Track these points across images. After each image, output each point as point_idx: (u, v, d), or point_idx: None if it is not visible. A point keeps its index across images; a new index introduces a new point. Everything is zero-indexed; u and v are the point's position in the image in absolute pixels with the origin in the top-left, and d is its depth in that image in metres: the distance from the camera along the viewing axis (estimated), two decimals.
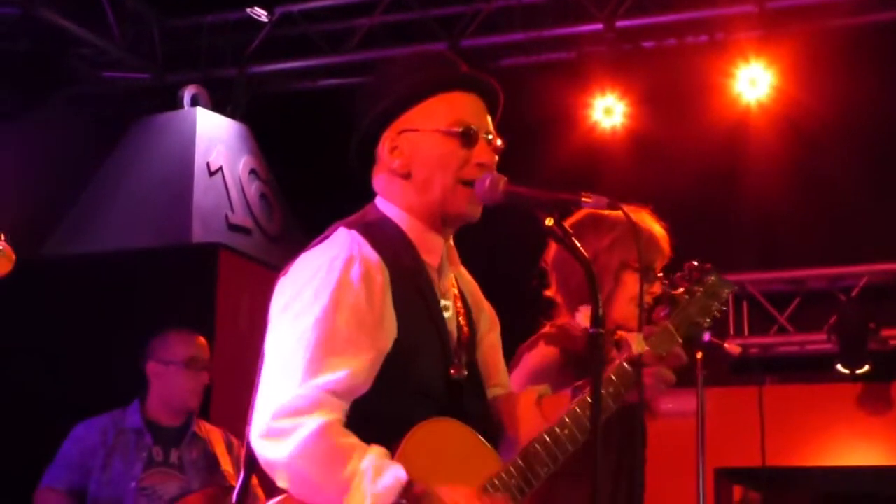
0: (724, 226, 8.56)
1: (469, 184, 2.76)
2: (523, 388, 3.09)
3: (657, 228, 3.69)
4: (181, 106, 8.68)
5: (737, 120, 8.36)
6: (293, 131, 9.12)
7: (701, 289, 3.09)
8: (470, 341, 2.87)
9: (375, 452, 2.51)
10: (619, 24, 8.25)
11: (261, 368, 2.67)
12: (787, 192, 8.27)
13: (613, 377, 2.86)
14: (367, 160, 2.89)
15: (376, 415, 2.61)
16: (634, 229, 3.03)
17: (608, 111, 8.58)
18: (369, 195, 2.91)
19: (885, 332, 8.47)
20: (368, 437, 2.54)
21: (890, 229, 8.33)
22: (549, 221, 2.63)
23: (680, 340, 2.99)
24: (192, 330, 5.46)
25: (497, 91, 2.90)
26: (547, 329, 3.70)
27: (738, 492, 9.90)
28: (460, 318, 2.87)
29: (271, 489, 2.60)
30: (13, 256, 4.06)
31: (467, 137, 2.78)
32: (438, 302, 2.81)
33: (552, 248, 3.76)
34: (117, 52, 8.87)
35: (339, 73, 9.10)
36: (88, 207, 8.42)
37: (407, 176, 2.81)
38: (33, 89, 8.65)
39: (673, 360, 2.94)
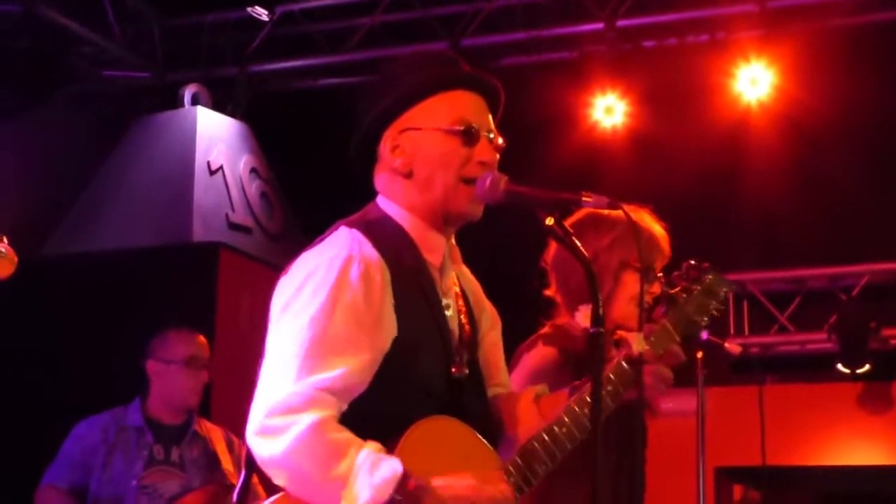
0: (725, 225, 8.56)
1: (471, 182, 2.76)
2: (522, 388, 3.10)
3: (657, 228, 3.69)
4: (182, 105, 8.68)
5: (737, 119, 8.35)
6: (294, 130, 9.12)
7: (698, 287, 3.08)
8: (471, 340, 2.87)
9: (371, 447, 2.51)
10: (620, 23, 8.25)
11: (261, 368, 2.68)
12: (787, 192, 8.27)
13: (612, 376, 2.86)
14: (369, 159, 2.89)
15: (377, 413, 2.62)
16: (635, 229, 3.04)
17: (609, 110, 8.58)
18: (370, 194, 2.91)
19: (886, 332, 8.47)
20: (369, 436, 2.54)
21: (890, 228, 8.33)
22: (549, 221, 2.64)
23: (678, 339, 2.99)
24: (192, 329, 5.47)
25: (498, 90, 2.90)
26: (546, 329, 3.70)
27: (738, 491, 9.89)
28: (461, 317, 2.87)
29: (271, 488, 2.60)
30: (15, 259, 4.05)
31: (469, 136, 2.78)
32: (440, 301, 2.81)
33: (552, 248, 3.76)
34: (118, 50, 8.88)
35: (339, 72, 9.10)
36: (89, 206, 8.42)
37: (408, 175, 2.81)
38: (34, 88, 8.65)
39: (671, 358, 2.94)
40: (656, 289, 3.49)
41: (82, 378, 6.70)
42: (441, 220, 2.82)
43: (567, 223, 2.89)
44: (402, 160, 2.81)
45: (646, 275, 3.33)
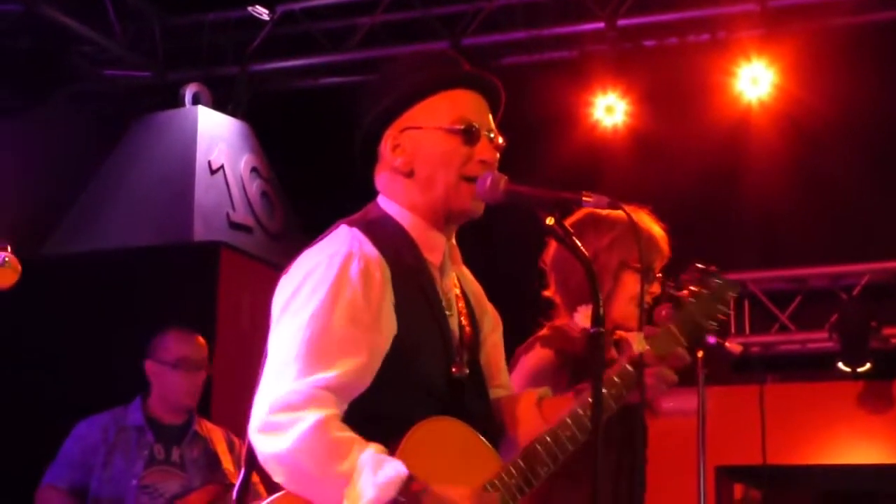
0: (726, 224, 8.56)
1: (472, 180, 2.76)
2: (520, 390, 3.10)
3: (656, 229, 3.69)
4: (182, 104, 8.68)
5: (738, 118, 8.35)
6: (295, 129, 9.12)
7: (706, 291, 3.08)
8: (472, 341, 2.87)
9: (374, 448, 2.51)
10: (621, 22, 8.25)
11: (263, 367, 2.68)
12: (788, 191, 8.27)
13: (616, 378, 2.86)
14: (370, 158, 2.89)
15: (378, 412, 2.62)
16: (635, 229, 3.03)
17: (609, 110, 8.57)
18: (371, 194, 2.91)
19: (887, 331, 8.47)
20: (370, 435, 2.54)
21: (891, 228, 8.33)
22: (549, 221, 2.64)
23: (683, 342, 2.99)
24: (191, 329, 5.46)
25: (499, 89, 2.90)
26: (544, 331, 3.70)
27: (738, 490, 9.90)
28: (462, 318, 2.87)
29: (272, 486, 2.60)
30: (19, 267, 4.07)
31: (469, 135, 2.78)
32: (440, 300, 2.81)
33: (551, 249, 3.76)
34: (118, 49, 8.87)
35: (340, 71, 9.10)
36: (89, 206, 8.42)
37: (409, 174, 2.81)
38: (34, 87, 8.65)
39: (675, 360, 2.94)
40: (656, 289, 3.49)
41: (82, 378, 6.70)
42: (442, 218, 2.82)
43: (567, 223, 2.89)
44: (402, 159, 2.81)
45: (645, 275, 3.32)
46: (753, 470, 8.91)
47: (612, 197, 2.64)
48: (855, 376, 8.52)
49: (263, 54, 9.05)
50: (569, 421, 2.78)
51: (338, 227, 2.78)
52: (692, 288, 3.08)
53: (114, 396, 5.38)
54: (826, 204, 8.36)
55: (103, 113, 9.18)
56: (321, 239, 2.77)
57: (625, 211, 2.70)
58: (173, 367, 5.28)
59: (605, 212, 3.12)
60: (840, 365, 8.42)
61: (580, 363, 3.42)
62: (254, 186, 8.73)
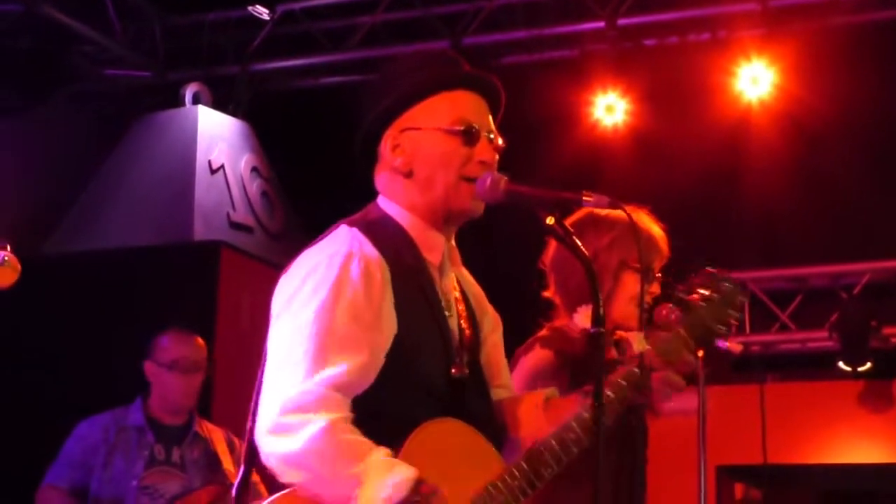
0: (726, 223, 8.56)
1: (471, 181, 2.76)
2: (519, 391, 3.10)
3: (655, 229, 3.68)
4: (183, 104, 8.68)
5: (738, 118, 8.35)
6: (295, 129, 9.12)
7: (717, 295, 3.08)
8: (472, 342, 2.87)
9: (383, 451, 2.52)
10: (621, 21, 8.25)
11: (262, 367, 2.68)
12: (788, 190, 8.27)
13: (622, 381, 2.86)
14: (370, 158, 2.89)
15: (378, 412, 2.61)
16: (635, 229, 3.03)
17: (610, 109, 8.57)
18: (371, 193, 2.91)
19: (887, 330, 8.47)
20: (371, 435, 2.55)
21: (892, 227, 8.32)
22: (550, 220, 2.63)
23: (693, 346, 2.99)
24: (190, 330, 5.46)
25: (499, 91, 2.90)
26: (543, 332, 3.69)
27: (739, 489, 9.90)
28: (462, 319, 2.86)
29: (274, 485, 2.59)
30: (18, 267, 4.07)
31: (469, 136, 2.78)
32: (440, 300, 2.81)
33: (550, 249, 3.75)
34: (119, 49, 8.87)
35: (341, 70, 9.10)
36: (90, 205, 8.42)
37: (409, 174, 2.81)
38: (35, 87, 8.65)
39: (683, 366, 2.94)
40: (656, 289, 3.49)
41: (82, 378, 6.70)
42: (441, 219, 2.82)
43: (566, 223, 2.88)
44: (402, 159, 2.81)
45: (645, 275, 3.32)
46: (754, 469, 8.91)
47: (612, 196, 2.64)
48: (855, 375, 8.52)
49: (264, 54, 9.05)
50: (573, 424, 2.78)
51: (338, 227, 2.78)
52: (702, 292, 3.07)
53: (114, 396, 5.38)
54: (826, 203, 8.36)
55: (104, 112, 9.19)
56: (321, 239, 2.77)
57: (625, 211, 2.69)
58: (170, 368, 5.28)
59: (604, 212, 3.12)
60: (840, 364, 8.42)
61: (580, 364, 3.42)
62: (254, 186, 8.73)
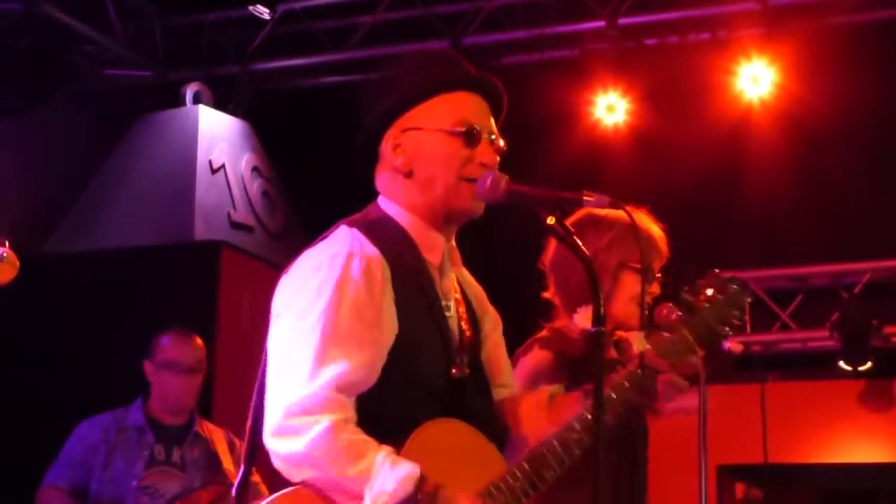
0: (727, 223, 8.56)
1: (472, 181, 2.76)
2: (519, 392, 3.09)
3: (655, 229, 3.68)
4: (183, 103, 8.68)
5: (739, 117, 8.34)
6: (295, 129, 9.12)
7: (722, 296, 3.08)
8: (473, 342, 2.87)
9: (386, 449, 2.53)
10: (622, 21, 8.24)
11: (262, 367, 2.68)
12: (789, 190, 8.26)
13: (626, 383, 2.86)
14: (371, 158, 2.89)
15: (379, 412, 2.62)
16: (635, 229, 3.03)
17: (610, 109, 8.57)
18: (372, 193, 2.91)
19: (888, 329, 8.46)
20: (373, 435, 2.55)
21: (892, 226, 8.32)
22: (550, 220, 2.63)
23: (697, 348, 2.99)
24: (190, 330, 5.46)
25: (501, 93, 2.90)
26: (542, 332, 3.69)
27: (740, 489, 9.89)
28: (462, 319, 2.86)
29: (273, 485, 2.59)
30: (17, 263, 4.07)
31: (470, 137, 2.78)
32: (440, 300, 2.81)
33: (550, 250, 3.75)
34: (119, 49, 8.86)
35: (341, 70, 9.09)
36: (90, 205, 8.42)
37: (409, 174, 2.81)
38: (35, 86, 8.65)
39: (686, 368, 2.94)
40: (655, 289, 3.49)
41: (82, 378, 6.70)
42: (441, 219, 2.82)
43: (566, 223, 2.88)
44: (403, 159, 2.81)
45: (645, 275, 3.32)
46: (755, 469, 8.90)
47: (613, 196, 2.64)
48: (856, 375, 8.51)
49: (264, 53, 9.04)
50: (576, 424, 2.78)
51: (338, 227, 2.79)
52: (707, 293, 3.07)
53: (114, 396, 5.38)
54: (827, 202, 8.36)
55: (104, 112, 9.18)
56: (321, 239, 2.77)
57: (626, 211, 2.69)
58: (169, 368, 5.29)
59: (603, 212, 3.12)
60: (841, 363, 8.42)
61: (579, 365, 3.42)
62: (255, 186, 8.73)
